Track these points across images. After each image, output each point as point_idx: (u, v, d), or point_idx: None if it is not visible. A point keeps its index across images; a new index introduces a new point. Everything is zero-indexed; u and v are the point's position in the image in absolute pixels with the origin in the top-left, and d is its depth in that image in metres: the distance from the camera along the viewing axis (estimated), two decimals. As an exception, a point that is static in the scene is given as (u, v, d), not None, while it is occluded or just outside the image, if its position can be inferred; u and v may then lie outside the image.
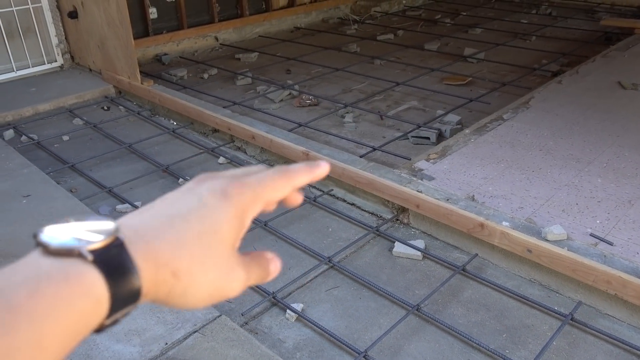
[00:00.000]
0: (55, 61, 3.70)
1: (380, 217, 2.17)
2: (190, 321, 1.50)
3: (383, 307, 1.69)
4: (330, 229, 2.08)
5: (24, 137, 2.85)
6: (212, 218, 0.38)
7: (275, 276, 0.44)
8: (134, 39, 3.16)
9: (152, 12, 4.05)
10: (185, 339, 1.45)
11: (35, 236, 0.33)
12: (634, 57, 3.48)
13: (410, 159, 2.35)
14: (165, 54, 4.05)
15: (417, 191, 2.01)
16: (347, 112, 3.03)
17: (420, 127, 2.74)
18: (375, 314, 1.66)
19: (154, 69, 3.80)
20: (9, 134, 2.87)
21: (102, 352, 1.40)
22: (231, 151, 2.75)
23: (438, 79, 3.52)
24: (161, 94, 3.10)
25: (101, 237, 0.34)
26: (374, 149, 2.55)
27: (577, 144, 2.39)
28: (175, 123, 3.08)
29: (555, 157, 2.28)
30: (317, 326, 1.61)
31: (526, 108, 2.76)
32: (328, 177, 2.27)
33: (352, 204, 2.25)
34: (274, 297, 1.72)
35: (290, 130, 2.69)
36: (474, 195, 2.01)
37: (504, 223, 1.81)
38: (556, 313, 1.64)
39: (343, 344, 1.54)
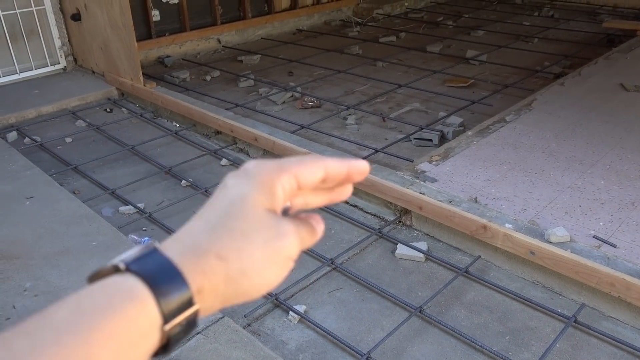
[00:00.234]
0: (58, 63, 3.71)
1: (383, 218, 2.17)
2: (193, 323, 1.50)
3: (386, 309, 1.69)
4: (332, 231, 2.08)
5: (27, 139, 2.86)
6: (233, 192, 0.38)
7: (321, 237, 0.42)
8: (137, 41, 3.17)
9: (155, 15, 4.07)
10: (188, 340, 1.45)
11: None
12: (636, 59, 3.48)
13: (412, 161, 2.35)
14: (168, 56, 4.06)
15: (419, 193, 2.01)
16: (350, 114, 3.03)
17: (422, 129, 2.74)
18: (378, 316, 1.66)
19: (157, 71, 3.81)
20: (12, 135, 2.88)
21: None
22: (234, 153, 2.75)
23: (440, 81, 3.52)
24: (164, 96, 3.11)
25: (135, 250, 0.35)
26: (377, 151, 2.55)
27: (580, 146, 2.39)
28: (177, 125, 3.08)
29: (557, 159, 2.28)
30: (319, 328, 1.60)
31: (528, 110, 2.76)
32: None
33: (355, 206, 2.25)
34: (276, 299, 1.72)
35: (293, 132, 2.70)
36: (476, 197, 2.01)
37: (507, 225, 1.81)
38: (559, 315, 1.64)
39: (346, 345, 1.54)
